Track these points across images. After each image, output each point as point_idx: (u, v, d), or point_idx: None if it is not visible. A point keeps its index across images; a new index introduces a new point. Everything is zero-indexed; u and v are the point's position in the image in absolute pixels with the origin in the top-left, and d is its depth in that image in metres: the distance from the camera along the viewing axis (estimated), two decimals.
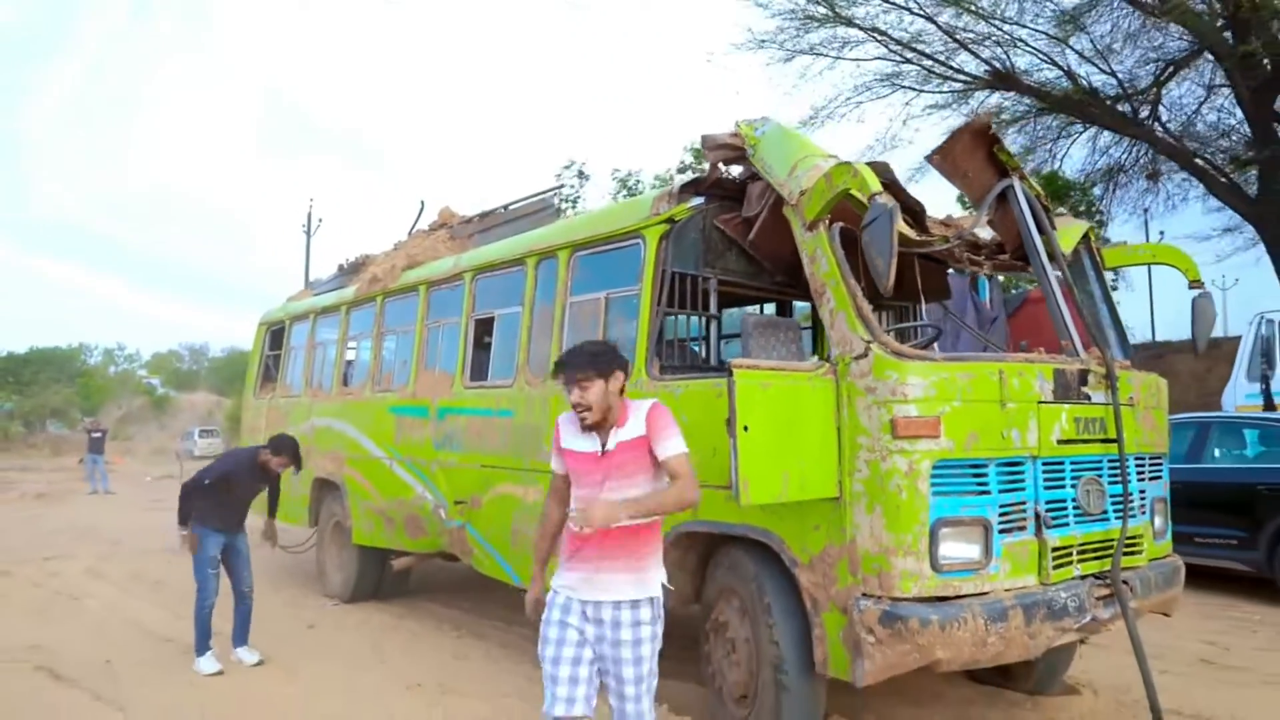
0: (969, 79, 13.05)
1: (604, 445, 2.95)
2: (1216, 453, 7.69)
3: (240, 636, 5.70)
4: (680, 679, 4.79)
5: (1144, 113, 13.35)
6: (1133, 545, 4.13)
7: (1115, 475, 4.08)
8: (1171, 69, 13.54)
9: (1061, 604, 3.67)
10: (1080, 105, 12.62)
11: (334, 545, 7.80)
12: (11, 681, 5.24)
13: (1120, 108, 13.25)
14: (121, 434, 40.44)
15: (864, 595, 3.51)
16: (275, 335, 9.46)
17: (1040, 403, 3.77)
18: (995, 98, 13.32)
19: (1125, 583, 3.95)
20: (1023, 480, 3.72)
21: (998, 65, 12.54)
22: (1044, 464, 3.78)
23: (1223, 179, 12.64)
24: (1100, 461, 4.04)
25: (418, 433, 6.53)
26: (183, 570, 8.25)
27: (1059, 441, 3.82)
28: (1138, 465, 4.30)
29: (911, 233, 4.01)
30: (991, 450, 3.62)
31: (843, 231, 3.95)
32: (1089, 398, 3.98)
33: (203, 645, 5.50)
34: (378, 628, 6.50)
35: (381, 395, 7.11)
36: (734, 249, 4.90)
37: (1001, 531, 3.64)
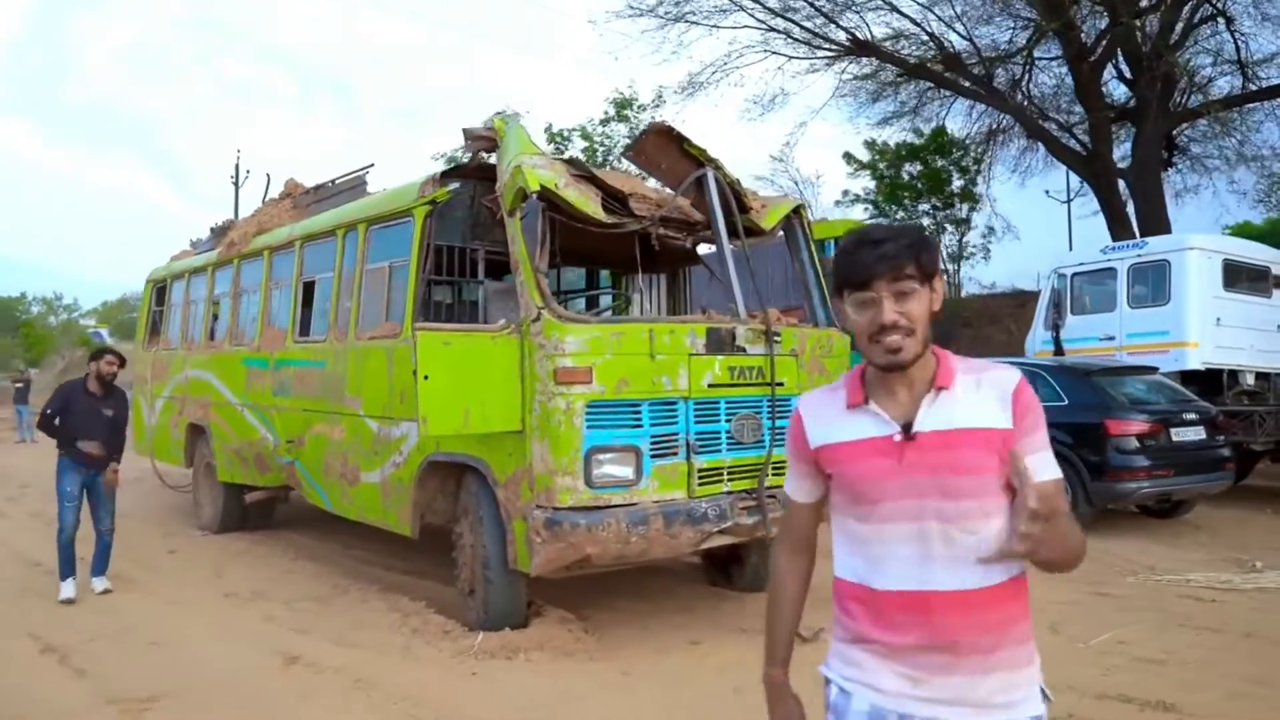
0: (834, 47, 13.90)
1: (909, 423, 1.60)
2: None
3: (97, 567, 6.13)
4: (440, 582, 5.78)
5: (999, 79, 14.32)
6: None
7: (781, 411, 5.11)
8: (1030, 39, 14.49)
9: (702, 512, 4.70)
10: (935, 74, 13.53)
11: (205, 483, 8.68)
12: None
13: (976, 72, 14.19)
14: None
15: (537, 507, 4.50)
16: (159, 292, 10.21)
17: (691, 355, 4.76)
18: (859, 65, 14.19)
19: (772, 497, 5.00)
20: (675, 416, 4.72)
21: (857, 34, 13.40)
22: (696, 403, 4.78)
23: (1061, 142, 13.71)
24: (760, 401, 5.05)
25: (261, 381, 7.41)
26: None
27: (710, 385, 4.82)
28: None
29: (603, 216, 4.93)
30: (643, 393, 4.61)
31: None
32: (744, 350, 4.98)
33: (64, 572, 5.96)
34: (229, 552, 7.44)
35: (236, 349, 7.95)
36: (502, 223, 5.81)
37: (653, 456, 4.64)
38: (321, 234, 6.78)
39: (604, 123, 24.34)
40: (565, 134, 23.59)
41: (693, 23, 13.50)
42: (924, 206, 21.34)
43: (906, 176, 20.96)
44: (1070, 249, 20.63)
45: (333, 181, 7.47)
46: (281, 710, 3.99)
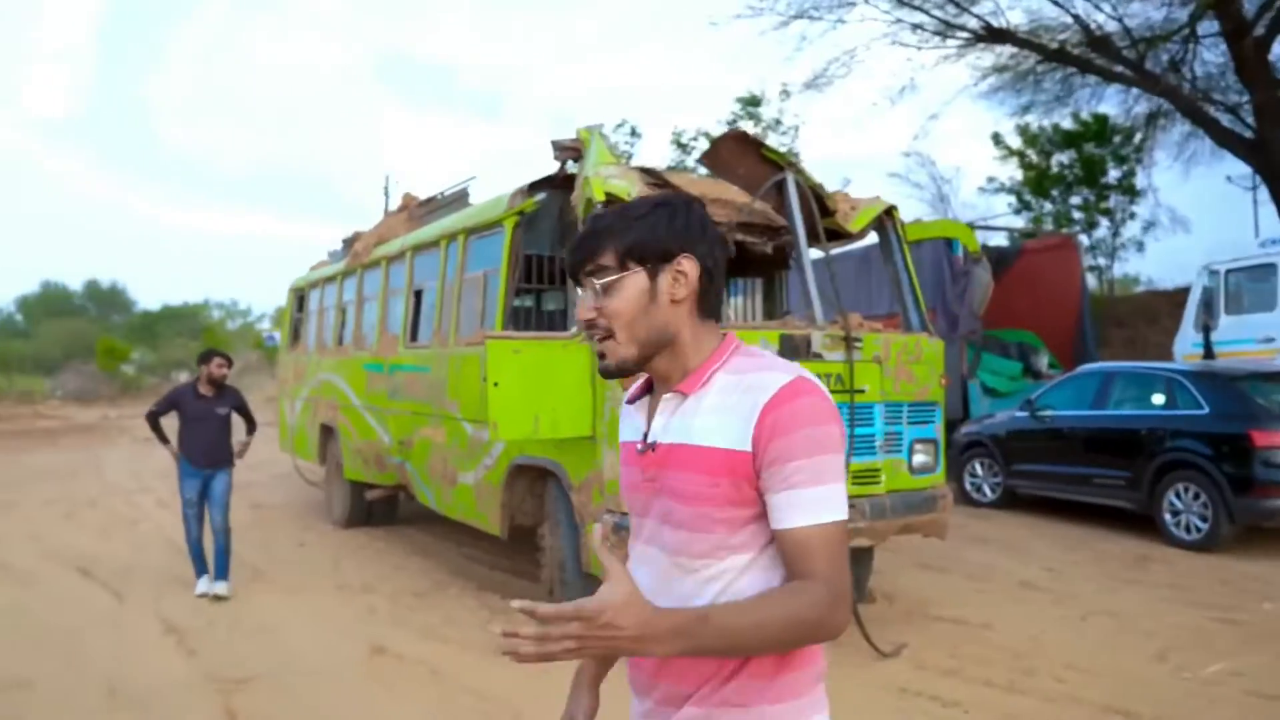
0: (966, 35, 13.34)
1: (648, 431, 1.38)
2: (1114, 400, 8.25)
3: (218, 570, 6.15)
4: (534, 582, 5.94)
5: (1151, 63, 13.37)
6: (869, 477, 5.04)
7: (861, 419, 5.00)
8: (1193, 14, 13.46)
9: None
10: (1079, 58, 12.75)
11: (334, 480, 9.23)
12: (55, 575, 6.86)
13: (1127, 55, 13.30)
14: (238, 384, 43.97)
15: (607, 511, 4.58)
16: (300, 299, 10.94)
17: None
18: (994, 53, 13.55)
19: (852, 506, 4.88)
20: None
21: (991, 21, 12.81)
22: None
23: (1225, 126, 12.64)
24: (840, 408, 4.94)
25: (378, 385, 7.82)
26: (239, 504, 9.92)
27: None
28: (893, 411, 5.18)
29: None
30: None
31: None
32: (820, 356, 4.88)
33: (198, 570, 6.19)
34: (351, 546, 7.89)
35: (358, 353, 8.42)
36: None
37: None
38: (429, 244, 7.09)
39: (731, 122, 24.29)
40: (692, 137, 23.50)
41: (814, 18, 13.29)
42: (1075, 199, 20.08)
43: (1056, 166, 19.77)
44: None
45: (441, 194, 7.80)
46: (357, 696, 4.23)
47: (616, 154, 5.31)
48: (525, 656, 1.07)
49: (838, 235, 5.74)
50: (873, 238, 6.00)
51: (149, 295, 74.98)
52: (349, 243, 9.69)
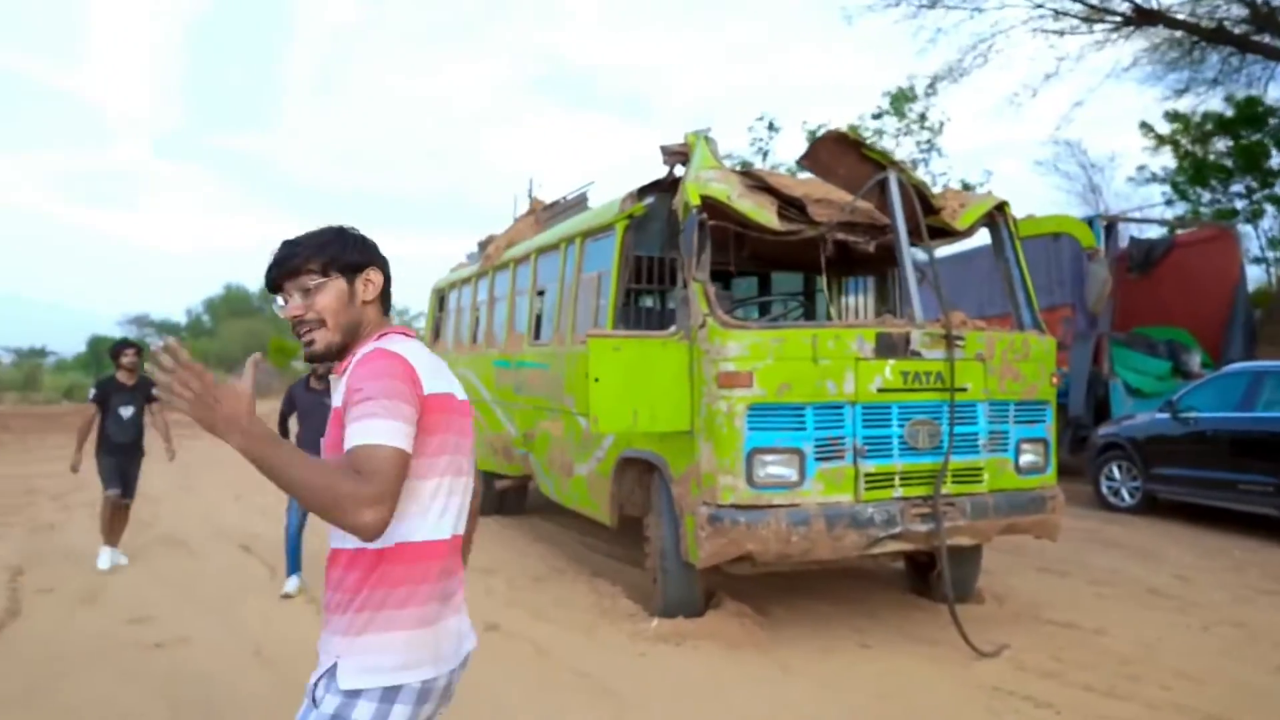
0: (1113, 18, 12.70)
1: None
2: (1263, 401, 7.75)
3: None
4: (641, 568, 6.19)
5: None
6: (970, 475, 5.02)
7: (962, 417, 5.00)
8: None
9: (868, 516, 4.72)
10: (1240, 38, 11.91)
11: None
12: (221, 550, 7.63)
13: None
14: None
15: (703, 503, 4.76)
16: (440, 299, 11.60)
17: (859, 360, 4.78)
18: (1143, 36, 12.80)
19: (952, 504, 4.89)
20: (840, 420, 4.77)
21: (1140, 2, 12.13)
22: (864, 408, 4.80)
23: None
24: (939, 406, 4.96)
25: (505, 380, 8.26)
26: None
27: (880, 390, 4.82)
28: (998, 410, 5.14)
29: (777, 225, 5.08)
30: (806, 397, 4.71)
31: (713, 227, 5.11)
32: (919, 354, 4.91)
33: (290, 568, 6.14)
34: (483, 533, 8.33)
35: (489, 351, 8.91)
36: None
37: (818, 459, 4.73)
38: (551, 246, 7.45)
39: (876, 116, 23.83)
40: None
41: (950, 7, 12.95)
42: (1237, 188, 18.65)
43: (1213, 154, 18.40)
44: None
45: (563, 199, 8.15)
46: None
47: (719, 158, 5.47)
48: (159, 382, 1.44)
49: (945, 233, 5.71)
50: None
51: None
52: (484, 245, 10.23)
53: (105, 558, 6.91)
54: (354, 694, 1.65)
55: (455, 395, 1.86)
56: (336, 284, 1.78)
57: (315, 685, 1.72)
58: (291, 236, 1.84)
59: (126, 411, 6.95)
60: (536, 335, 7.64)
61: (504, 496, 9.25)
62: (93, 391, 7.09)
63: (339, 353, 1.81)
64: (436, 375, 1.77)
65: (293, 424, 6.31)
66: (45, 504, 10.38)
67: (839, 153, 5.19)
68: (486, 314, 9.28)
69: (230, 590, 6.20)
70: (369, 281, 1.83)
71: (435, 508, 1.77)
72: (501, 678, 4.45)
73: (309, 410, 6.12)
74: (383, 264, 1.88)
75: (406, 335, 1.82)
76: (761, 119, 24.37)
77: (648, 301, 8.19)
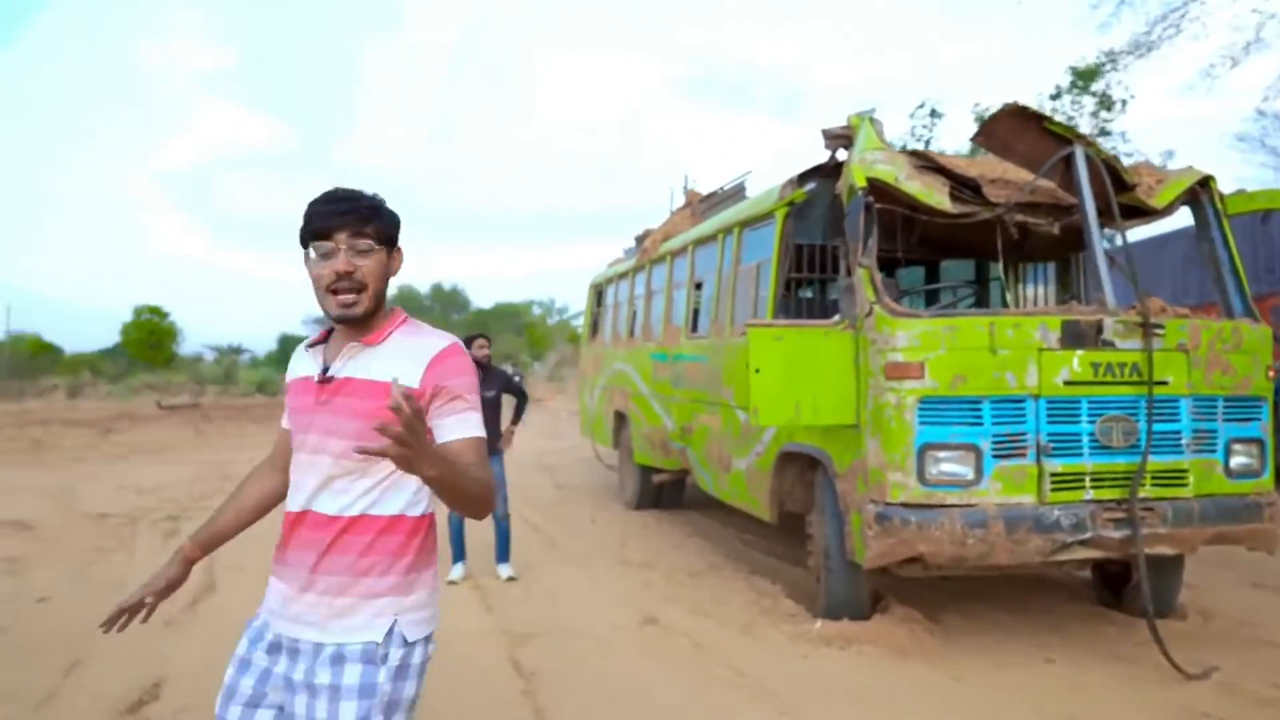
0: None
1: (327, 368, 1.84)
2: None
3: (500, 554, 6.32)
4: (805, 569, 5.99)
5: None
6: (1173, 478, 4.54)
7: (1163, 414, 4.54)
8: None
9: (1053, 520, 4.34)
10: None
11: (626, 464, 9.81)
12: None
13: None
14: (556, 375, 47.64)
15: (870, 500, 4.53)
16: (598, 294, 11.71)
17: (1042, 350, 4.41)
18: None
19: (1151, 509, 4.45)
20: (1022, 415, 4.42)
21: None
22: (1049, 402, 4.43)
23: None
24: (1136, 401, 4.52)
25: (663, 374, 8.21)
26: (545, 483, 10.85)
27: (1068, 383, 4.43)
28: (1204, 406, 4.64)
29: (949, 207, 4.77)
30: (983, 389, 4.39)
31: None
32: (1112, 344, 4.48)
33: (455, 555, 6.25)
34: (637, 526, 8.36)
35: (646, 344, 8.89)
36: None
37: (996, 456, 4.40)
38: (708, 238, 7.33)
39: (1054, 97, 22.34)
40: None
41: None
42: None
43: None
44: None
45: (720, 189, 8.02)
46: (625, 660, 4.54)
47: (885, 139, 5.19)
48: (391, 434, 1.39)
49: (1140, 213, 5.22)
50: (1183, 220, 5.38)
51: (484, 295, 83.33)
52: (640, 240, 10.23)
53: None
54: (412, 644, 1.80)
55: None
56: (380, 253, 1.80)
57: (376, 646, 1.76)
58: (350, 190, 1.82)
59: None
60: (694, 328, 7.55)
61: (661, 490, 9.21)
62: None
63: (365, 320, 1.81)
64: None
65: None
66: None
67: (1018, 128, 4.82)
68: (644, 307, 9.27)
69: None
70: (395, 260, 1.86)
71: None
72: (659, 672, 4.38)
73: None
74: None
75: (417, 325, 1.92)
76: (922, 106, 23.30)
77: (807, 292, 7.95)
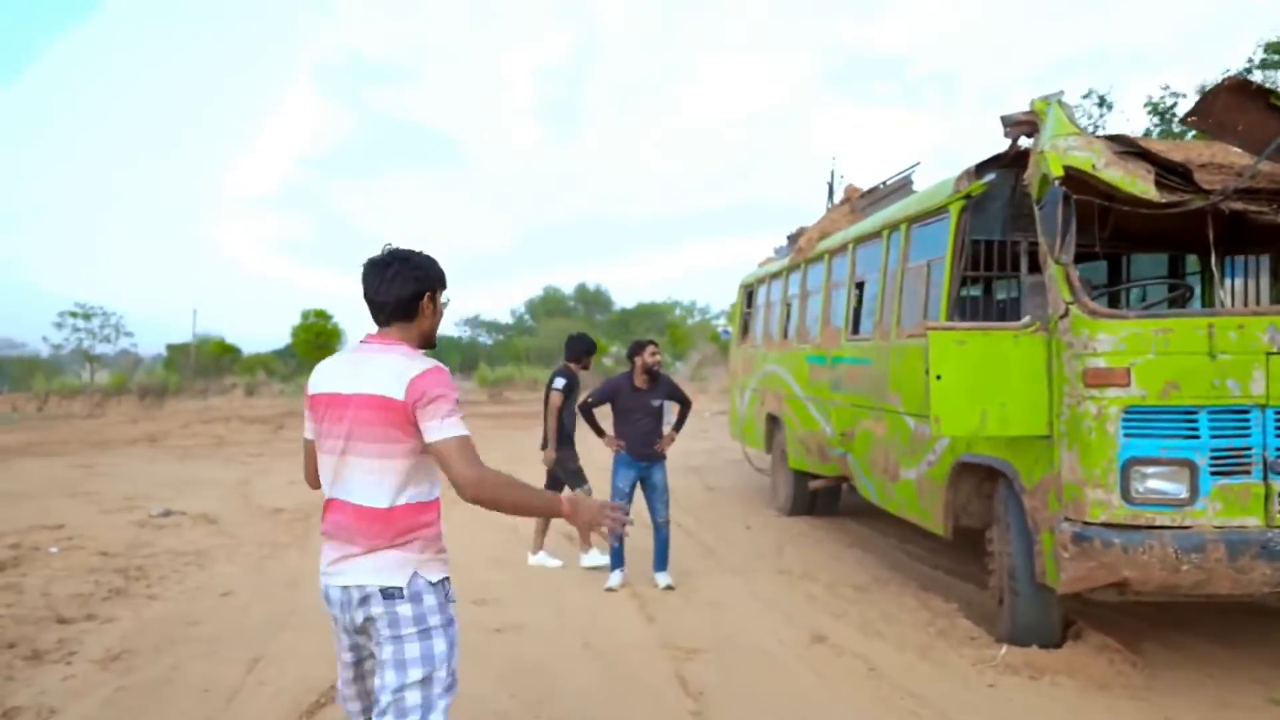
0: None
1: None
2: None
3: (659, 563, 6.19)
4: (979, 586, 5.59)
5: None
6: None
7: None
8: None
9: None
10: None
11: (779, 468, 9.55)
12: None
13: None
14: (698, 375, 47.54)
15: (1065, 519, 4.15)
16: (749, 295, 11.48)
17: (1270, 354, 3.92)
18: None
19: None
20: (1246, 427, 3.95)
21: None
22: (1278, 413, 3.93)
23: None
24: None
25: (820, 377, 7.92)
26: (695, 486, 10.72)
27: None
28: None
29: (1155, 195, 4.32)
30: (1199, 398, 3.94)
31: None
32: None
33: (614, 562, 6.21)
34: (792, 533, 8.11)
35: (802, 346, 8.61)
36: None
37: (1214, 473, 3.94)
38: (870, 235, 7.01)
39: (1246, 73, 20.44)
40: (1171, 104, 19.93)
41: None
42: None
43: None
44: None
45: (883, 183, 7.66)
46: (795, 681, 4.32)
47: (1078, 124, 4.76)
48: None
49: None
50: None
51: (626, 296, 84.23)
52: (793, 238, 9.94)
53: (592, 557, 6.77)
54: (438, 582, 2.35)
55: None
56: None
57: (401, 590, 2.27)
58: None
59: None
60: (855, 329, 7.23)
61: (816, 497, 8.91)
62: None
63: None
64: None
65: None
66: None
67: (1238, 105, 4.32)
68: (799, 308, 8.99)
69: (560, 582, 6.40)
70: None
71: None
72: (834, 697, 4.14)
73: (632, 409, 6.18)
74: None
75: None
76: (1089, 95, 21.78)
77: (973, 291, 7.48)
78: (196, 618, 5.45)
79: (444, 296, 2.44)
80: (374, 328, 2.43)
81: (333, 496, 2.37)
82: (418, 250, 2.43)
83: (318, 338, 37.39)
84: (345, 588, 2.31)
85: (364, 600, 2.29)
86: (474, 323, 61.17)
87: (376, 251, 2.42)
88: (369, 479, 2.28)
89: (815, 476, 8.44)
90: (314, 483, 2.52)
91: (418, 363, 2.29)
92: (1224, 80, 4.32)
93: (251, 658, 4.69)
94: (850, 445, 7.11)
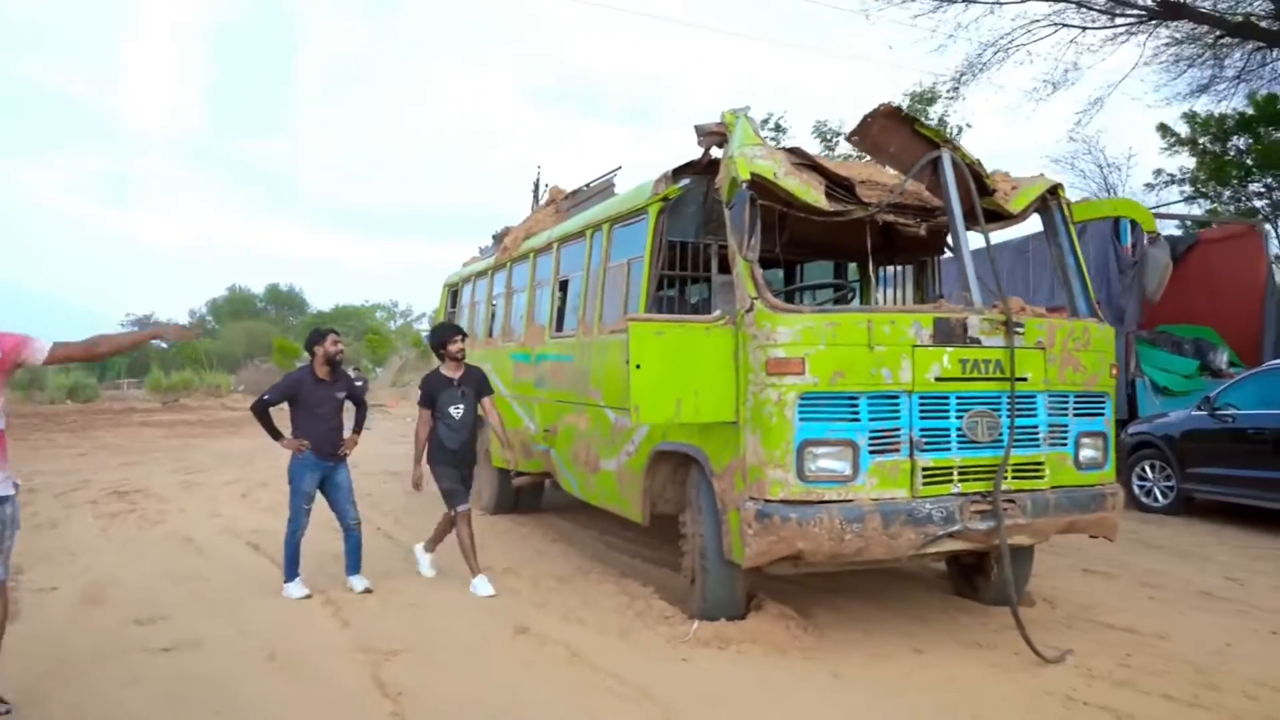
0: (1138, 11, 12.42)
1: None
2: None
3: (352, 566, 5.95)
4: (674, 570, 5.90)
5: None
6: (1031, 470, 4.73)
7: (1023, 409, 4.71)
8: None
9: (925, 513, 4.42)
10: (1267, 31, 11.64)
11: (483, 467, 9.48)
12: (229, 547, 7.34)
13: None
14: (399, 380, 46.08)
15: (749, 498, 4.47)
16: (453, 295, 11.31)
17: (916, 347, 4.50)
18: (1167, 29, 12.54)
19: (1012, 501, 4.62)
20: (897, 411, 4.49)
21: None
22: (921, 398, 4.52)
23: None
24: (998, 397, 4.67)
25: (524, 374, 7.98)
26: (396, 490, 10.34)
27: (938, 379, 4.53)
28: (1058, 401, 4.86)
29: (825, 204, 4.79)
30: (860, 385, 4.43)
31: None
32: (979, 341, 4.62)
33: (290, 573, 5.78)
34: (496, 531, 8.07)
35: (507, 344, 8.62)
36: None
37: (872, 452, 4.44)
38: (574, 235, 7.17)
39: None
40: (835, 131, 22.40)
41: (972, 1, 12.67)
42: (1256, 186, 18.26)
43: (1233, 152, 18.07)
44: None
45: (586, 185, 7.88)
46: (499, 673, 4.30)
47: (762, 136, 5.19)
48: None
49: (997, 217, 5.43)
50: (1029, 227, 5.66)
51: (322, 298, 79.77)
52: (499, 238, 9.94)
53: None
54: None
55: None
56: None
57: None
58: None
59: (457, 411, 6.16)
60: (559, 326, 7.37)
61: (520, 494, 8.95)
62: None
63: None
64: None
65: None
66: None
67: (890, 129, 4.91)
68: (504, 307, 9.00)
69: (241, 591, 5.90)
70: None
71: None
72: (537, 684, 4.17)
73: (316, 404, 5.84)
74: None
75: None
76: (767, 120, 23.88)
77: (669, 291, 7.91)
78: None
79: None
80: None
81: None
82: None
83: None
84: None
85: None
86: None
87: None
88: None
89: (519, 474, 8.47)
90: None
91: None
92: (880, 106, 4.89)
93: None
94: (553, 440, 7.22)
